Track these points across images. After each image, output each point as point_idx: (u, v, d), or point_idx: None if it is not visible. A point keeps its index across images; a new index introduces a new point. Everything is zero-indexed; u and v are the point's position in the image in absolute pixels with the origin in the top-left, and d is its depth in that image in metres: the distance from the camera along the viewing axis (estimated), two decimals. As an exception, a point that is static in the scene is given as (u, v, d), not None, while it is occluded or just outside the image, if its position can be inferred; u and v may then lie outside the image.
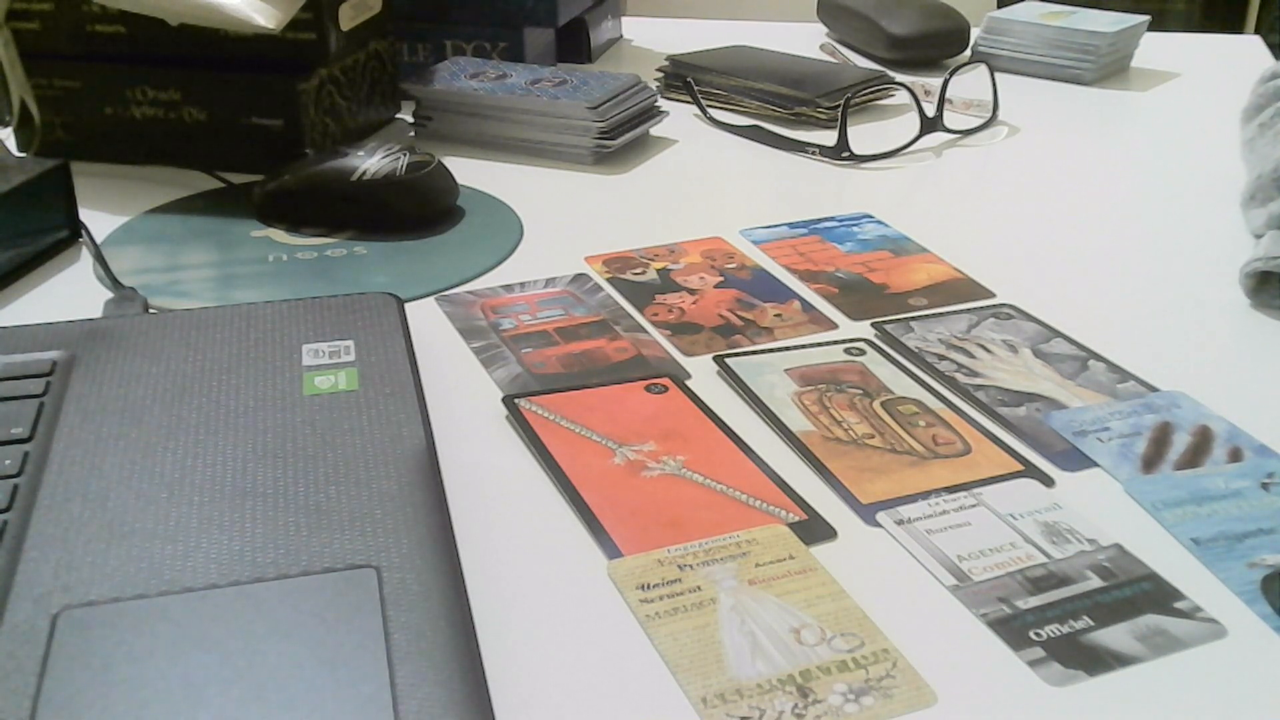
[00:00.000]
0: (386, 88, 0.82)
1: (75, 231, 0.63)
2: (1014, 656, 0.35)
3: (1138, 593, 0.37)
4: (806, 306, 0.57)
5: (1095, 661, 0.34)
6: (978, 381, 0.50)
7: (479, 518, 0.41)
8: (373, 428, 0.42)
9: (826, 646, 0.35)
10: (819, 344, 0.53)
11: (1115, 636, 0.35)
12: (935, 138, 0.80)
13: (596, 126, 0.74)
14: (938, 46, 0.98)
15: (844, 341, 0.53)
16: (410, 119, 0.81)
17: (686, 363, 0.52)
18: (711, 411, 0.47)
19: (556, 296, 0.57)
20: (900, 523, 0.41)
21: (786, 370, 0.50)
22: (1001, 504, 0.42)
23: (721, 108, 0.87)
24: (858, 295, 0.58)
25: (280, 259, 0.61)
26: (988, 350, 0.52)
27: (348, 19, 0.74)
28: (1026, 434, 0.46)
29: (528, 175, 0.74)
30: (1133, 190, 0.71)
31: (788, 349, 0.52)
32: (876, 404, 0.48)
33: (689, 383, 0.50)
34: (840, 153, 0.76)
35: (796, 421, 0.47)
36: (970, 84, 0.93)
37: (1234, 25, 2.51)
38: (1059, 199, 0.70)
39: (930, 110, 0.80)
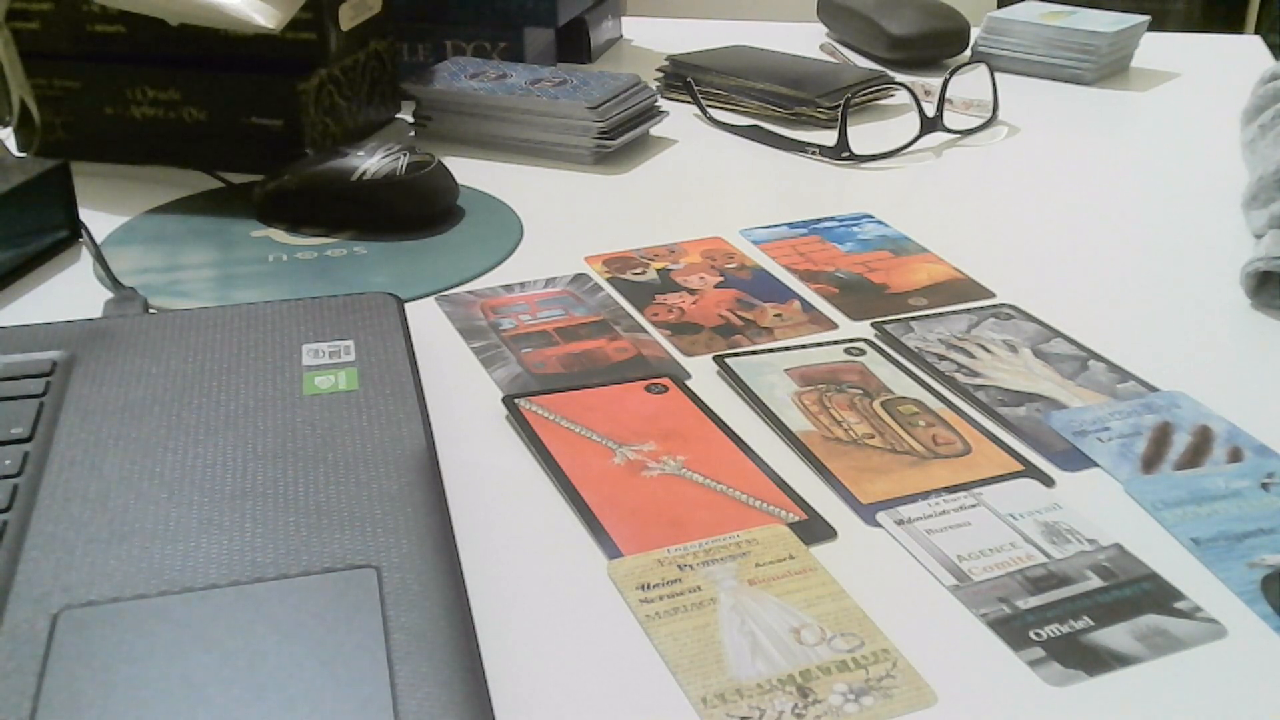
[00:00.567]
0: (386, 88, 0.82)
1: (75, 231, 0.63)
2: (1014, 656, 0.35)
3: (1138, 593, 0.37)
4: (806, 306, 0.57)
5: (1095, 661, 0.34)
6: (978, 381, 0.50)
7: (479, 518, 0.41)
8: (373, 428, 0.42)
9: (826, 646, 0.35)
10: (819, 344, 0.53)
11: (1115, 636, 0.35)
12: (935, 138, 0.80)
13: (596, 126, 0.74)
14: (938, 46, 0.98)
15: (844, 341, 0.53)
16: (410, 119, 0.81)
17: (686, 363, 0.52)
18: (711, 411, 0.47)
19: (556, 296, 0.57)
20: (900, 523, 0.41)
21: (786, 370, 0.50)
22: (1001, 504, 0.42)
23: (721, 108, 0.87)
24: (858, 295, 0.58)
25: (280, 259, 0.61)
26: (988, 350, 0.52)
27: (348, 19, 0.74)
28: (1026, 434, 0.46)
29: (528, 175, 0.74)
30: (1133, 190, 0.71)
31: (788, 349, 0.52)
32: (876, 404, 0.48)
33: (689, 383, 0.50)
34: (840, 153, 0.76)
35: (796, 421, 0.47)
36: (970, 84, 0.93)
37: (1234, 25, 2.51)
38: (1059, 199, 0.70)
39: (930, 110, 0.80)
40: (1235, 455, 0.44)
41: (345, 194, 0.64)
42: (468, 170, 0.74)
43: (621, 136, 0.76)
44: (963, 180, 0.73)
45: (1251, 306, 0.56)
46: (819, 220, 0.67)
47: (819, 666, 0.34)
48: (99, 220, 0.66)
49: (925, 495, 0.42)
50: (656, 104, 0.80)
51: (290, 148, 0.71)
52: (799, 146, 0.78)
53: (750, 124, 0.82)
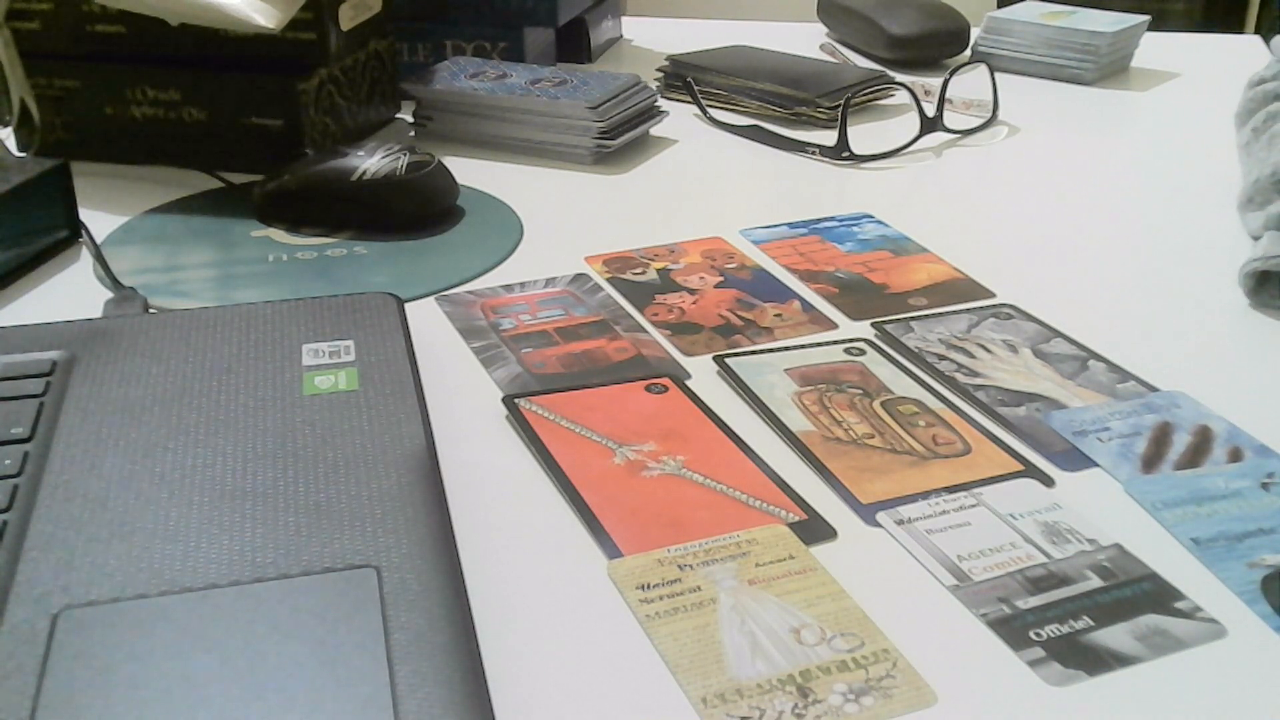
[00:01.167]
0: (386, 88, 0.82)
1: (75, 231, 0.63)
2: (1014, 656, 0.35)
3: (1138, 593, 0.37)
4: (806, 306, 0.57)
5: (1095, 661, 0.34)
6: (978, 381, 0.50)
7: (479, 518, 0.41)
8: (373, 427, 0.42)
9: (826, 646, 0.35)
10: (819, 344, 0.53)
11: (1115, 636, 0.35)
12: (935, 138, 0.80)
13: (596, 126, 0.74)
14: (938, 46, 0.98)
15: (844, 341, 0.53)
16: (410, 119, 0.81)
17: (686, 363, 0.52)
18: (711, 411, 0.47)
19: (556, 296, 0.57)
20: (900, 523, 0.41)
21: (786, 370, 0.50)
22: (1001, 504, 0.42)
23: (721, 108, 0.87)
24: (858, 295, 0.58)
25: (280, 259, 0.61)
26: (988, 350, 0.52)
27: (348, 19, 0.74)
28: (1026, 434, 0.46)
29: (528, 175, 0.74)
30: (1133, 190, 0.71)
31: (788, 349, 0.52)
32: (876, 404, 0.48)
33: (689, 383, 0.50)
34: (840, 153, 0.76)
35: (796, 421, 0.47)
36: (970, 84, 0.93)
37: (1234, 25, 2.51)
38: (1059, 199, 0.70)
39: (930, 110, 0.80)
40: (1235, 455, 0.44)
41: (345, 194, 0.64)
42: (468, 170, 0.74)
43: (621, 136, 0.76)
44: (963, 180, 0.73)
45: (1250, 306, 0.57)
46: (819, 220, 0.67)
47: (819, 666, 0.34)
48: (99, 220, 0.66)
49: (925, 495, 0.42)
50: (656, 104, 0.80)
51: (290, 148, 0.71)
52: (799, 146, 0.78)
53: (750, 124, 0.82)
